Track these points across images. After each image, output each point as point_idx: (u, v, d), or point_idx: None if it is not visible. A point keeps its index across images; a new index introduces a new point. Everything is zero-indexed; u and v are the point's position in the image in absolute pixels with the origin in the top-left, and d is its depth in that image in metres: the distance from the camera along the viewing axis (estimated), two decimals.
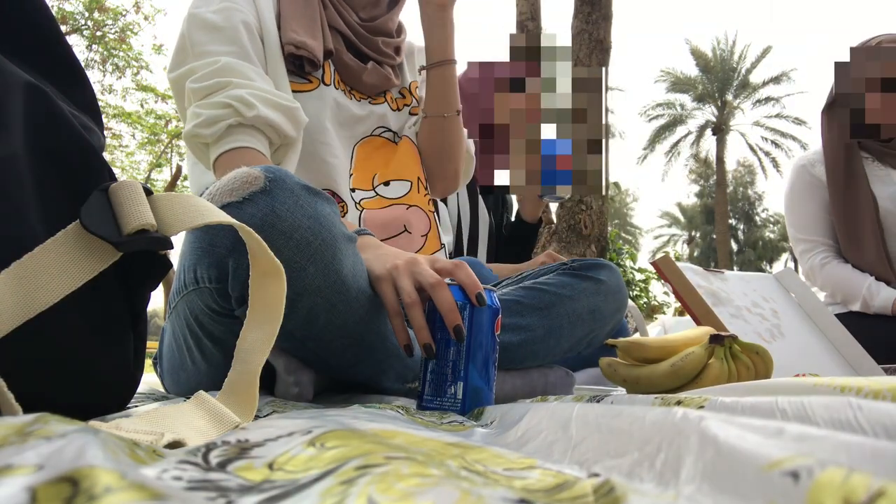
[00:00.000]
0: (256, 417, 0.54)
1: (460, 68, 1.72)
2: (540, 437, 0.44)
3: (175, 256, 1.06)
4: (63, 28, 10.46)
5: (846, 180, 1.70)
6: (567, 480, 0.28)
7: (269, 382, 0.85)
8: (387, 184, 1.12)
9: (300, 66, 1.07)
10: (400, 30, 1.24)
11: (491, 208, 1.76)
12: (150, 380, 1.49)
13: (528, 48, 1.31)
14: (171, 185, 10.70)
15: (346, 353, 0.78)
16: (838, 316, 1.65)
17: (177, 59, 1.03)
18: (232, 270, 0.69)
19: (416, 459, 0.27)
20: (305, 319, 0.72)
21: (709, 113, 25.83)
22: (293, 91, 1.06)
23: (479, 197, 1.71)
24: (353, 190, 1.07)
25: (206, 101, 0.95)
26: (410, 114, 1.23)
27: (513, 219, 1.88)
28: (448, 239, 1.25)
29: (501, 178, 1.29)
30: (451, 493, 0.22)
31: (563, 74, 1.29)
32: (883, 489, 0.19)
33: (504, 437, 0.49)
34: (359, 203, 1.06)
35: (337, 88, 1.12)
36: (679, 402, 0.48)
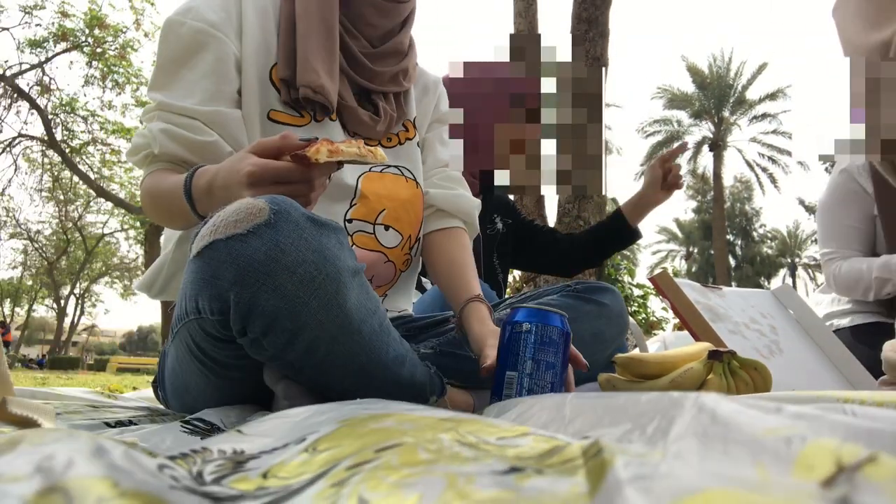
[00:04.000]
0: (250, 422, 0.53)
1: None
2: (534, 418, 0.44)
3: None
4: (64, 44, 10.52)
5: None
6: (558, 446, 0.28)
7: (267, 403, 0.85)
8: (386, 228, 1.08)
9: (295, 100, 1.02)
10: (410, 49, 1.19)
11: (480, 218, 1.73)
12: (151, 395, 1.48)
13: (527, 63, 1.31)
14: None
15: (345, 381, 0.77)
16: (836, 332, 1.64)
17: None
18: (234, 304, 0.68)
19: (406, 444, 0.27)
20: (305, 351, 0.71)
21: (706, 129, 25.96)
22: (283, 123, 1.02)
23: None
24: (350, 220, 1.04)
25: (142, 126, 1.02)
26: (419, 146, 1.20)
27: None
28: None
29: (500, 178, 1.26)
30: (439, 480, 0.22)
31: (563, 88, 1.29)
32: (874, 455, 0.19)
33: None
34: (352, 235, 1.04)
35: (333, 121, 1.07)
36: None
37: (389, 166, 1.12)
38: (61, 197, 14.43)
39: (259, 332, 0.69)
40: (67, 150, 11.08)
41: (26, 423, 0.45)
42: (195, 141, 0.97)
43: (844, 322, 1.79)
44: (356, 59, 1.10)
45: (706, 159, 26.40)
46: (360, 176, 1.07)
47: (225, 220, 0.69)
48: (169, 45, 1.01)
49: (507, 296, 1.66)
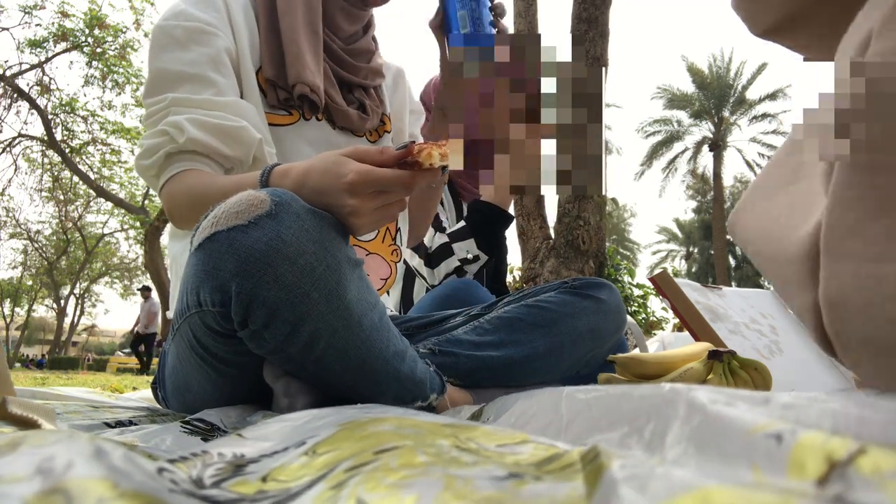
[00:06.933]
0: (248, 425, 0.53)
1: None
2: (532, 420, 0.44)
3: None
4: (64, 44, 10.52)
5: None
6: (557, 453, 0.29)
7: (267, 402, 0.85)
8: None
9: (285, 100, 1.04)
10: (376, 48, 1.23)
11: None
12: (149, 395, 1.48)
13: (528, 63, 1.30)
14: None
15: (345, 376, 0.77)
16: None
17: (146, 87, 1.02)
18: (235, 295, 0.68)
19: (405, 446, 0.27)
20: (306, 343, 0.72)
21: (706, 129, 25.97)
22: (270, 124, 1.03)
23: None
24: None
25: (148, 131, 0.97)
26: (392, 141, 1.22)
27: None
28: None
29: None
30: (437, 481, 0.22)
31: (563, 88, 1.28)
32: (864, 448, 0.19)
33: (497, 423, 0.49)
34: None
35: (319, 120, 1.09)
36: None
37: None
38: (61, 197, 14.44)
39: (260, 324, 0.69)
40: (67, 150, 11.08)
41: (27, 423, 0.45)
42: (227, 127, 0.94)
43: None
44: (335, 54, 1.12)
45: (706, 159, 26.43)
46: None
47: (226, 212, 0.69)
48: (165, 48, 0.98)
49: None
